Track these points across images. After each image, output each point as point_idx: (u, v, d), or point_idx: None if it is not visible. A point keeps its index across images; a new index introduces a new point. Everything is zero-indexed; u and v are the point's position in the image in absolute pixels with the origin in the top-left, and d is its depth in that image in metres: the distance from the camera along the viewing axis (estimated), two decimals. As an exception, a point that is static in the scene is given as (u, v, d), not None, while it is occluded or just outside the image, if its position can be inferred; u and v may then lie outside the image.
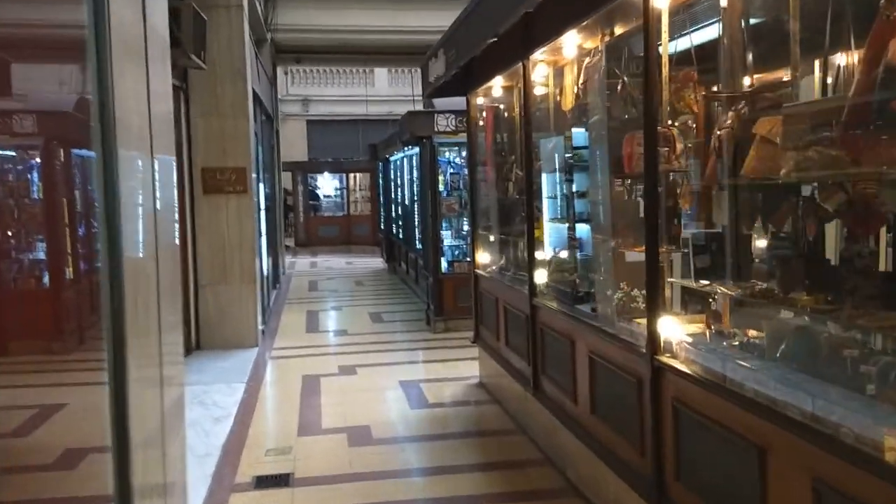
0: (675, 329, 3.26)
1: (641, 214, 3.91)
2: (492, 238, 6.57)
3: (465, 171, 9.75)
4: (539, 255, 5.02)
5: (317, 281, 14.58)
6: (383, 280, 14.50)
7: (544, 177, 5.32)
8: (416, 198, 11.87)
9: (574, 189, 4.91)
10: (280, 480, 4.54)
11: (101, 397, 2.84)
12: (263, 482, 4.54)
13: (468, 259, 9.20)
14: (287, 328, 9.73)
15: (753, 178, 2.69)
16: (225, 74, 8.38)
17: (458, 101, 8.25)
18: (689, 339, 3.16)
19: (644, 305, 3.68)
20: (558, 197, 5.31)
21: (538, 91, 5.28)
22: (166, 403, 3.55)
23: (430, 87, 6.67)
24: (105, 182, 2.65)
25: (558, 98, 5.20)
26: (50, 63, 2.76)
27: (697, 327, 3.28)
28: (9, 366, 2.62)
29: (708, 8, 3.46)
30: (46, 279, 2.83)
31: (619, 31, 4.24)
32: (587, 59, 4.49)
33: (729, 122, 2.91)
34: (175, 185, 4.07)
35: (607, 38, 4.32)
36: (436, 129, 9.07)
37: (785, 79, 2.88)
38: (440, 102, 8.95)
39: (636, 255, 3.93)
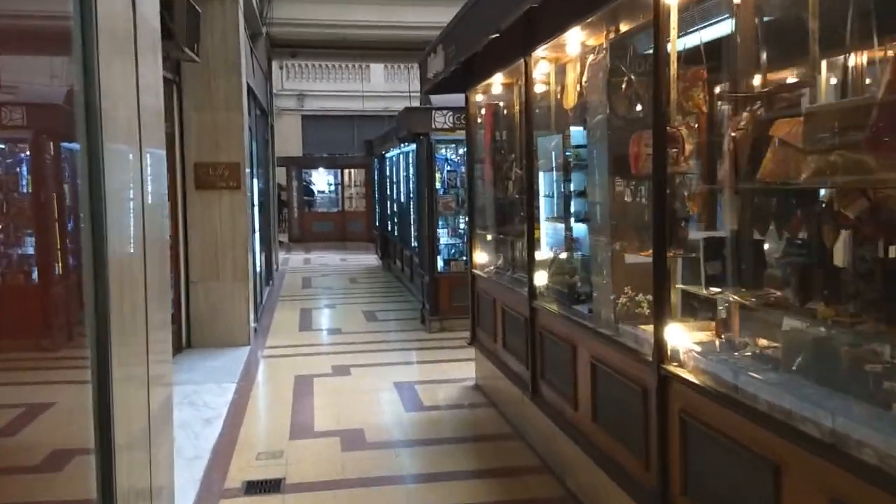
0: (682, 337, 3.14)
1: (647, 217, 3.81)
2: (490, 237, 6.45)
3: (463, 168, 9.63)
4: (539, 255, 4.89)
5: (311, 278, 14.44)
6: (378, 278, 14.36)
7: (544, 175, 5.21)
8: (412, 195, 11.73)
9: (574, 188, 4.80)
10: (271, 486, 4.42)
11: (89, 397, 2.73)
12: (254, 487, 4.41)
13: (464, 258, 9.10)
14: (280, 326, 9.59)
15: (770, 181, 2.57)
16: (219, 68, 8.23)
17: (456, 98, 8.14)
18: (698, 348, 3.05)
19: (649, 311, 3.58)
20: (555, 196, 5.20)
21: (539, 89, 5.15)
22: (153, 404, 3.43)
23: (429, 84, 6.53)
24: (90, 176, 2.52)
25: (559, 96, 5.08)
26: (38, 55, 2.66)
27: (706, 336, 3.16)
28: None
29: (719, 3, 3.33)
30: (35, 275, 2.75)
31: (624, 28, 4.12)
32: (591, 57, 4.36)
33: (743, 123, 2.79)
34: (165, 179, 3.94)
35: (612, 36, 4.20)
36: (433, 126, 8.94)
37: (803, 78, 2.76)
38: (438, 99, 8.83)
39: (639, 259, 3.82)
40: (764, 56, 3.10)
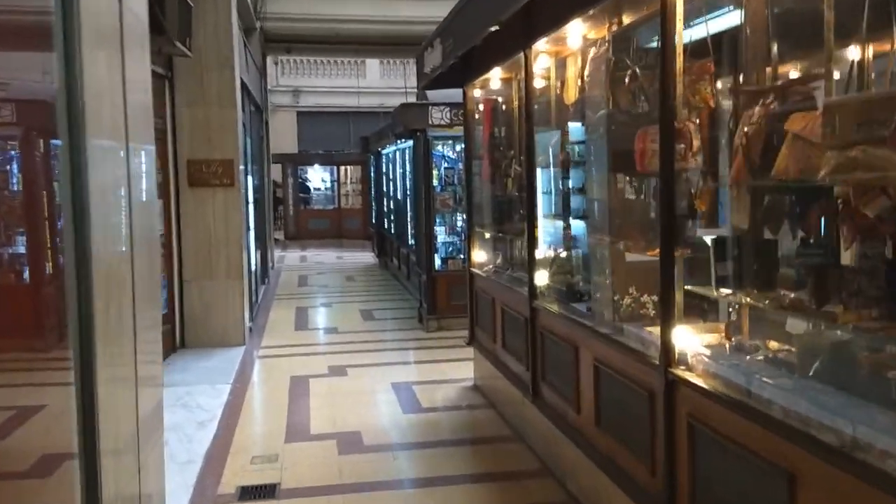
0: (690, 339, 3.03)
1: (652, 215, 3.70)
2: (488, 235, 6.34)
3: (460, 165, 9.51)
4: (539, 254, 4.78)
5: (307, 276, 14.31)
6: (374, 275, 14.25)
7: (544, 172, 5.09)
8: (408, 192, 11.61)
9: (575, 186, 4.69)
10: (266, 491, 4.30)
11: (72, 399, 2.62)
12: (248, 493, 4.30)
13: (462, 256, 8.99)
14: (275, 325, 9.47)
15: (785, 178, 2.46)
16: (212, 62, 8.09)
17: (453, 94, 8.02)
18: (707, 352, 2.94)
19: (655, 312, 3.47)
20: (555, 193, 5.09)
21: (539, 84, 5.03)
22: (142, 407, 3.32)
23: (426, 79, 6.41)
24: (73, 174, 2.41)
25: (560, 91, 4.96)
26: (22, 51, 2.56)
27: (714, 338, 3.06)
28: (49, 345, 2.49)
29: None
30: (26, 274, 2.67)
31: (627, 20, 4.00)
32: (593, 50, 4.25)
33: (756, 117, 2.68)
34: (155, 177, 3.83)
35: (614, 28, 4.08)
36: (430, 122, 8.82)
37: (817, 71, 2.65)
38: (434, 95, 8.71)
39: (643, 258, 3.71)
40: (775, 48, 3.00)
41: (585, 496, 4.02)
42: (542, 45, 4.66)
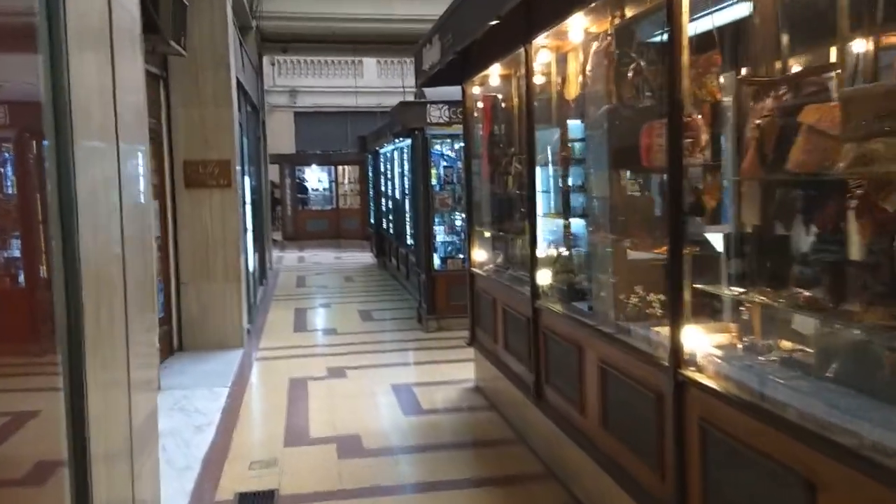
0: (699, 340, 2.94)
1: (658, 212, 3.62)
2: (488, 234, 6.25)
3: (459, 164, 9.42)
4: (541, 253, 4.69)
5: (305, 276, 14.22)
6: (373, 276, 14.15)
7: (545, 170, 5.00)
8: (407, 192, 11.51)
9: (577, 183, 4.60)
10: (264, 498, 4.21)
11: (60, 405, 2.54)
12: (247, 499, 4.20)
13: (462, 256, 8.89)
14: (274, 327, 9.38)
15: (800, 172, 2.37)
16: (207, 62, 7.99)
17: (451, 92, 7.91)
18: (718, 352, 2.85)
19: (662, 312, 3.38)
20: (557, 191, 5.00)
21: (540, 80, 4.94)
22: (136, 413, 3.23)
23: (424, 76, 6.32)
24: (59, 176, 2.32)
25: (561, 87, 4.87)
26: (16, 53, 2.48)
27: (725, 338, 2.97)
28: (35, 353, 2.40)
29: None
30: (21, 278, 2.60)
31: (630, 12, 3.92)
32: (595, 44, 4.16)
33: (767, 110, 2.59)
34: (149, 178, 3.74)
35: (617, 21, 3.99)
36: (428, 121, 8.72)
37: (830, 61, 2.56)
38: (433, 93, 8.62)
39: (649, 256, 3.63)
40: (786, 38, 2.91)
41: (591, 500, 3.93)
42: (542, 39, 4.57)
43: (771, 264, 2.79)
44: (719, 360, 2.85)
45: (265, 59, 17.13)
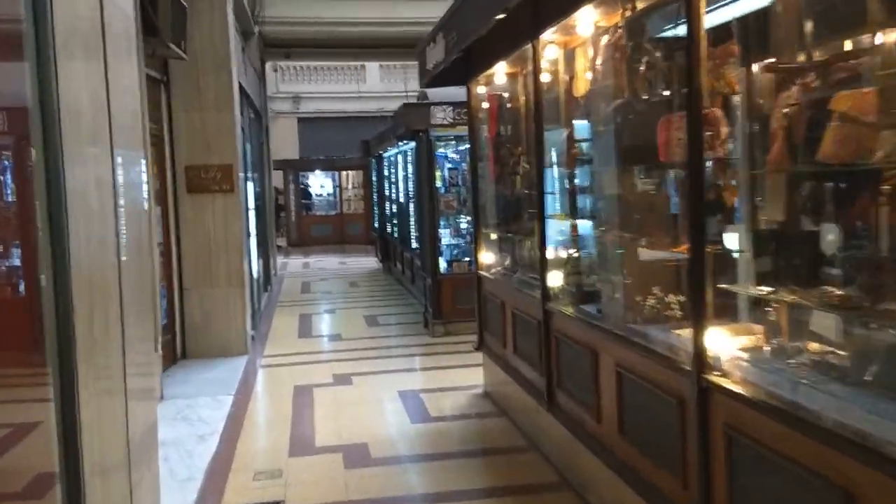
0: (723, 342, 2.80)
1: (674, 209, 3.48)
2: (496, 237, 6.11)
3: (464, 166, 9.29)
4: (552, 255, 4.55)
5: (310, 282, 14.10)
6: (378, 281, 14.02)
7: (553, 169, 4.86)
8: (411, 195, 11.40)
9: (586, 182, 4.47)
10: (269, 510, 4.08)
11: (51, 417, 2.42)
12: (251, 512, 4.07)
13: (468, 259, 8.76)
14: (278, 333, 9.25)
15: (833, 162, 2.23)
16: (208, 66, 7.89)
17: (455, 93, 7.80)
18: (745, 355, 2.71)
19: (682, 313, 3.24)
20: (566, 191, 4.86)
21: (547, 78, 4.81)
22: (134, 423, 3.11)
23: (428, 76, 6.20)
24: (47, 183, 2.20)
25: (569, 84, 4.74)
26: (10, 60, 2.39)
27: (751, 341, 2.82)
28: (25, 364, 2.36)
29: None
30: (22, 287, 2.51)
31: (641, 4, 3.78)
32: (606, 38, 4.03)
33: (794, 98, 2.45)
34: (148, 183, 3.64)
35: (629, 13, 3.86)
36: (432, 122, 8.59)
37: (860, 46, 2.42)
38: (436, 94, 8.50)
39: (666, 256, 3.49)
40: (809, 26, 2.77)
41: (608, 510, 3.79)
42: (550, 35, 4.44)
43: (799, 261, 2.65)
44: (745, 364, 2.71)
45: (268, 66, 17.03)
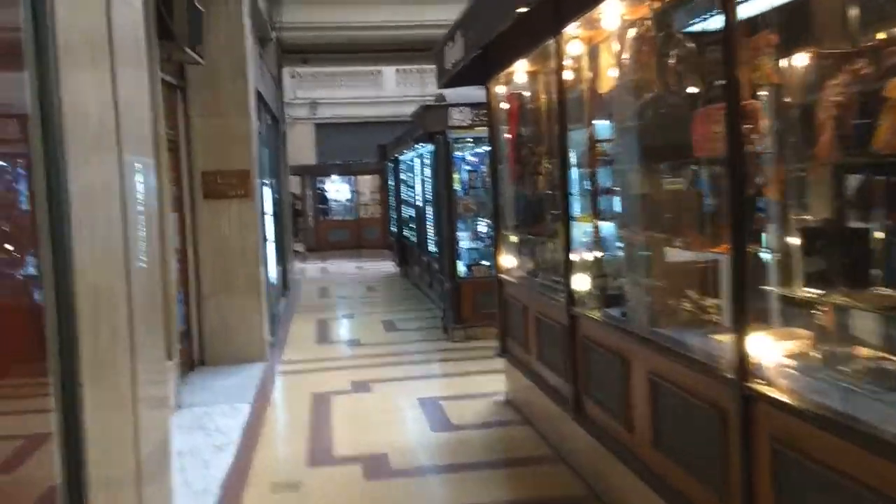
0: (768, 348, 2.63)
1: (709, 207, 3.31)
2: (517, 239, 5.96)
3: (483, 167, 9.16)
4: (577, 257, 4.38)
5: (327, 287, 14.01)
6: (396, 285, 13.90)
7: (577, 168, 4.70)
8: (429, 198, 11.27)
9: (612, 181, 4.30)
10: (287, 523, 3.95)
11: (53, 431, 2.31)
12: (268, 525, 3.94)
13: (487, 263, 8.61)
14: (296, 339, 9.15)
15: (886, 153, 2.06)
16: (225, 71, 7.82)
17: (473, 95, 7.68)
18: (792, 362, 2.54)
19: (719, 317, 3.07)
20: (588, 189, 4.69)
21: (570, 74, 4.65)
22: (144, 435, 2.98)
23: (447, 76, 6.06)
24: (48, 191, 2.09)
25: (593, 81, 4.58)
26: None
27: (797, 347, 2.65)
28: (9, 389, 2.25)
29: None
30: (38, 296, 2.42)
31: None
32: (633, 30, 3.87)
33: (842, 87, 2.28)
34: (160, 189, 3.54)
35: (657, 5, 3.70)
36: (450, 124, 8.46)
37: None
38: (453, 97, 8.38)
39: (700, 257, 3.32)
40: (855, 12, 2.60)
41: (640, 524, 3.61)
42: (573, 29, 4.29)
43: (847, 261, 2.47)
44: (792, 371, 2.53)
45: (285, 72, 17.03)
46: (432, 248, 10.99)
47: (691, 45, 3.47)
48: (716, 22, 3.38)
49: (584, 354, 4.18)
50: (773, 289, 2.77)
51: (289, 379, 7.23)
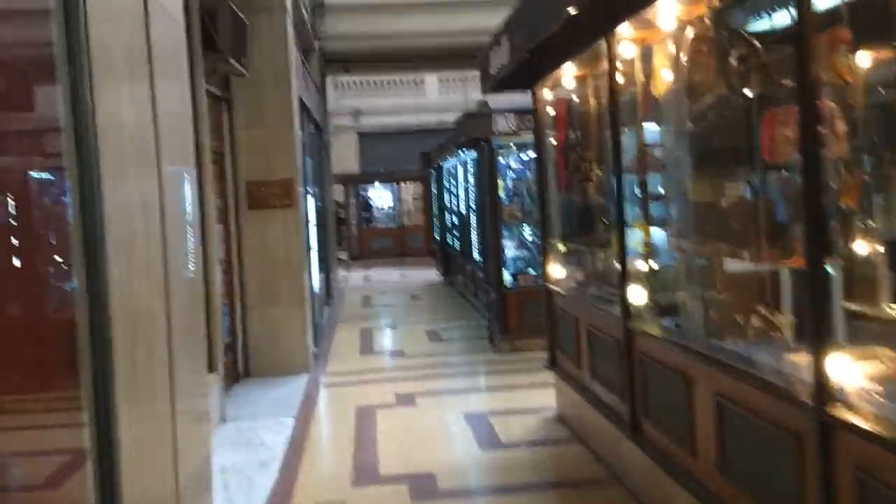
0: (850, 371, 2.40)
1: (780, 216, 3.09)
2: (567, 248, 5.76)
3: (528, 174, 8.98)
4: (633, 267, 4.17)
5: (370, 296, 13.97)
6: (439, 294, 13.78)
7: (630, 174, 4.49)
8: (472, 206, 11.13)
9: (670, 187, 4.09)
10: (332, 546, 3.83)
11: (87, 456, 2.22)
12: (313, 548, 3.83)
13: (533, 271, 8.42)
14: (340, 349, 9.09)
15: None
16: (269, 82, 7.82)
17: (517, 100, 7.52)
18: (875, 386, 2.31)
19: (795, 336, 2.85)
20: (645, 196, 4.48)
21: (622, 77, 4.45)
22: (184, 456, 2.89)
23: (492, 81, 5.91)
24: (82, 204, 2.01)
25: (646, 82, 4.37)
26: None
27: (883, 369, 2.41)
28: (46, 403, 2.22)
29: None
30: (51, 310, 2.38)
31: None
32: (691, 29, 3.67)
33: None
34: (197, 203, 3.47)
35: (717, 2, 3.50)
36: (495, 131, 8.30)
37: None
38: (497, 103, 8.24)
39: (769, 269, 3.09)
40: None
41: (704, 553, 3.38)
42: (625, 29, 4.10)
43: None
44: (877, 396, 2.30)
45: (329, 82, 17.12)
46: (476, 256, 10.84)
47: (755, 43, 3.26)
48: (781, 18, 3.19)
49: (641, 372, 3.97)
50: (852, 305, 2.54)
51: (333, 391, 7.15)
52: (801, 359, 2.59)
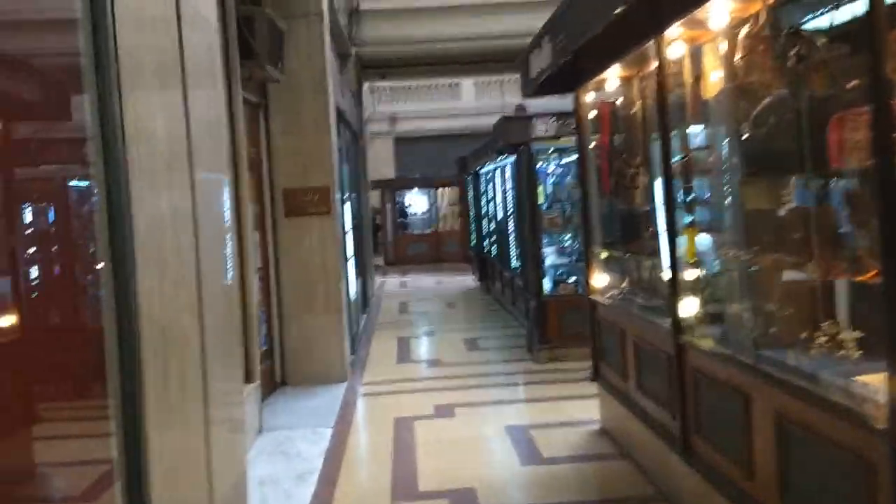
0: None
1: (846, 227, 2.89)
2: (611, 256, 5.58)
3: (568, 179, 8.80)
4: (684, 278, 3.99)
5: (407, 302, 13.89)
6: (476, 301, 13.63)
7: (679, 181, 4.30)
8: (510, 212, 10.97)
9: (724, 194, 3.90)
10: (370, 565, 3.71)
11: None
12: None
13: (573, 280, 8.23)
14: (377, 358, 9.01)
15: None
16: (305, 89, 7.79)
17: (555, 104, 7.36)
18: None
19: (864, 354, 2.65)
20: (695, 203, 4.29)
21: (671, 79, 4.27)
22: (219, 478, 2.80)
23: (532, 85, 5.76)
24: (110, 214, 1.93)
25: (696, 84, 4.20)
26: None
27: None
28: (85, 411, 2.17)
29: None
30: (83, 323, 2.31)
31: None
32: (745, 28, 3.50)
33: None
34: (232, 211, 3.41)
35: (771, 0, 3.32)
36: (533, 135, 8.15)
37: None
38: (535, 107, 8.10)
39: (838, 283, 2.90)
40: None
41: (763, 582, 3.19)
42: (675, 30, 3.93)
43: None
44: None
45: (365, 88, 17.15)
46: (514, 263, 10.68)
47: (816, 41, 3.07)
48: (843, 14, 3.00)
49: (693, 387, 3.78)
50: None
51: (370, 401, 7.06)
52: (872, 379, 2.40)
